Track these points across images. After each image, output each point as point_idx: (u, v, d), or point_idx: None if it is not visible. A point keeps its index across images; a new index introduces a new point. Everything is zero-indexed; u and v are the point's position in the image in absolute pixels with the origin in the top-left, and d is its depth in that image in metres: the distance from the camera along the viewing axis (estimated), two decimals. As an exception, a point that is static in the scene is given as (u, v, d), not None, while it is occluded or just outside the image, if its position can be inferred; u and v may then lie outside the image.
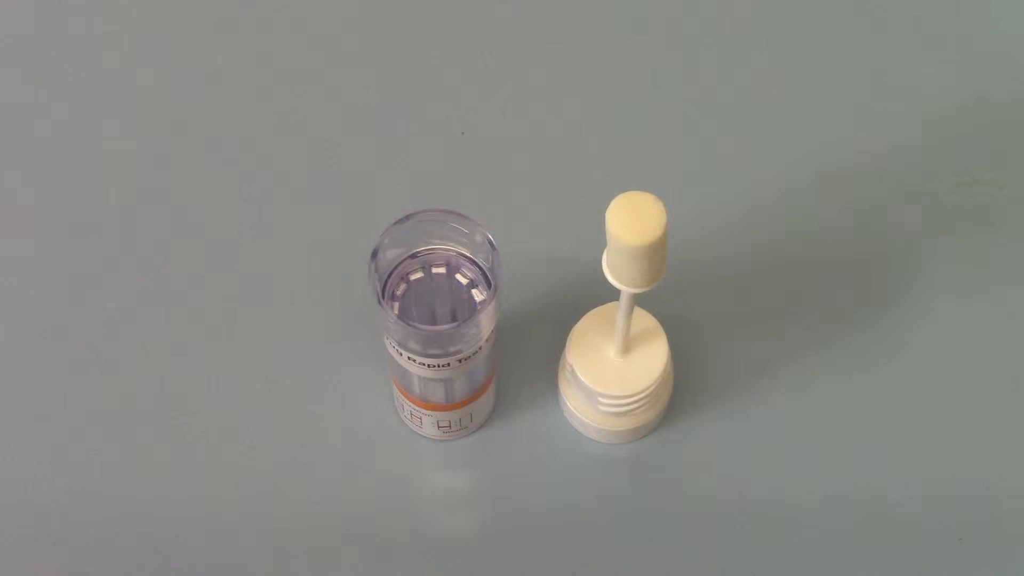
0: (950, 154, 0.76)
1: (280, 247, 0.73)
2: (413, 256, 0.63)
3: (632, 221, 0.56)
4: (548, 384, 0.70)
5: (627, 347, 0.66)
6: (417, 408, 0.66)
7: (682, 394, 0.70)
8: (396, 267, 0.62)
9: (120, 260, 0.73)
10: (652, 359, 0.66)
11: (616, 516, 0.68)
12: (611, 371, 0.66)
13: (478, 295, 0.63)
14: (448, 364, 0.62)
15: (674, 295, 0.70)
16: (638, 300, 0.63)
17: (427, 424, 0.68)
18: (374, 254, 0.61)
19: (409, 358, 0.62)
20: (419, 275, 0.63)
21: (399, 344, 0.61)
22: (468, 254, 0.62)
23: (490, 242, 0.61)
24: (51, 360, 0.71)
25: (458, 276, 0.63)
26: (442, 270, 0.63)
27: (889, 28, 0.80)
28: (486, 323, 0.61)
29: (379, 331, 0.64)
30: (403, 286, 0.63)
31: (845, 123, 0.77)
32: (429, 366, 0.62)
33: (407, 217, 0.61)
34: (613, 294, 0.61)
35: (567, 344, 0.67)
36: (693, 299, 0.72)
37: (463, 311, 0.63)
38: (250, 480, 0.68)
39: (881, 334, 0.72)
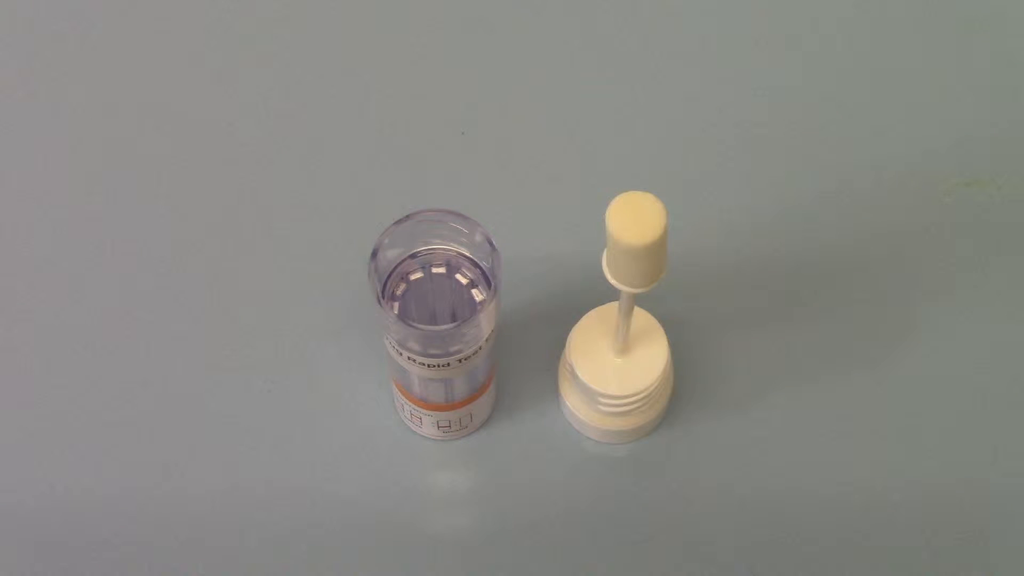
0: (950, 154, 0.76)
1: (280, 247, 0.73)
2: (413, 256, 0.63)
3: (632, 221, 0.56)
4: (548, 384, 0.70)
5: (627, 347, 0.66)
6: (417, 408, 0.66)
7: (682, 394, 0.70)
8: (396, 267, 0.62)
9: (120, 260, 0.73)
10: (652, 359, 0.66)
11: (616, 516, 0.68)
12: (611, 371, 0.66)
13: (478, 295, 0.63)
14: (448, 364, 0.62)
15: (674, 295, 0.70)
16: (638, 300, 0.63)
17: (427, 424, 0.68)
18: (374, 254, 0.61)
19: (409, 358, 0.62)
20: (419, 275, 0.63)
21: (399, 344, 0.61)
22: (468, 254, 0.62)
23: (490, 242, 0.61)
24: (51, 360, 0.71)
25: (458, 276, 0.63)
26: (442, 270, 0.63)
27: (889, 28, 0.80)
28: (486, 323, 0.61)
29: (379, 331, 0.63)
30: (403, 286, 0.63)
31: (845, 123, 0.77)
32: (429, 366, 0.62)
33: (407, 217, 0.61)
34: (613, 294, 0.61)
35: (567, 344, 0.67)
36: (693, 299, 0.72)
37: (463, 311, 0.63)
38: (250, 480, 0.68)
39: (881, 334, 0.72)
